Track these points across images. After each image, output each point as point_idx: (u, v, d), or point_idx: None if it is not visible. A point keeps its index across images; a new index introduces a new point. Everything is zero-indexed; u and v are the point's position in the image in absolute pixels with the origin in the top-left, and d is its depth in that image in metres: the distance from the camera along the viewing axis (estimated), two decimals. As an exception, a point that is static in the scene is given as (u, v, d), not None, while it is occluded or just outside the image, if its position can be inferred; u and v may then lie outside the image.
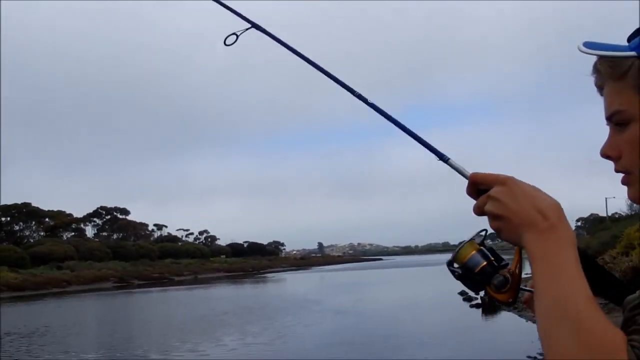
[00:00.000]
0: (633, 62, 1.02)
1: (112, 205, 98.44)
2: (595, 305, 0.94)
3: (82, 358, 16.73)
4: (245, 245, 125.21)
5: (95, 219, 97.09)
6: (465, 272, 1.10)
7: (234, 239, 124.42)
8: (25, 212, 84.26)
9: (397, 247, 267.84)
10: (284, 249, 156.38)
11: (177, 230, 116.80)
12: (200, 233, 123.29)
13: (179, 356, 15.98)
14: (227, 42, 1.84)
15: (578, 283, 0.95)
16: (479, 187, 1.09)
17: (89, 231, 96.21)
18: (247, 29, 1.78)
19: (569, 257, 0.97)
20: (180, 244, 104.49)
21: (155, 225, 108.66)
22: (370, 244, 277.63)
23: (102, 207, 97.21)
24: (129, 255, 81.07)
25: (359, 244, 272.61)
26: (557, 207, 1.01)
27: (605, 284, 1.13)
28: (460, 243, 1.12)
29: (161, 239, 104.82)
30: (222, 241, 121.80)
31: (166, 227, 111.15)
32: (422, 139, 1.34)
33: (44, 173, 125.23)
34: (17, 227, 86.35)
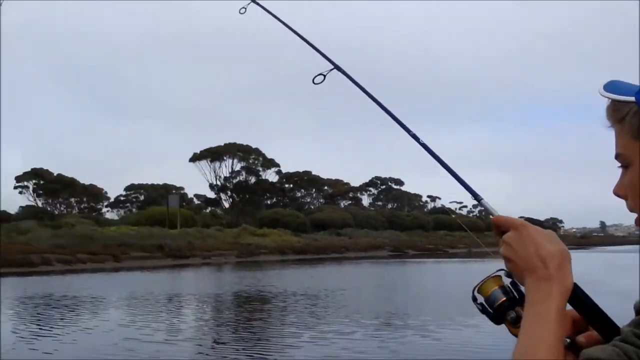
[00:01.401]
0: (631, 107, 1.09)
1: (387, 176, 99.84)
2: (555, 354, 1.06)
3: (361, 322, 15.64)
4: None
5: (370, 189, 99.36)
6: (484, 307, 1.20)
7: (508, 214, 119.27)
8: (306, 180, 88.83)
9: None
10: (563, 226, 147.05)
11: (450, 202, 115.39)
12: (474, 206, 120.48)
13: (457, 330, 14.07)
14: (315, 81, 1.99)
15: (547, 333, 1.08)
16: (500, 229, 1.21)
17: (365, 200, 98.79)
18: (330, 70, 1.96)
19: (551, 307, 1.09)
20: (453, 216, 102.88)
21: (428, 196, 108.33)
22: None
23: (377, 177, 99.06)
24: (403, 225, 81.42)
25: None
26: (560, 256, 1.12)
27: (597, 320, 1.18)
28: (486, 277, 1.22)
29: (435, 210, 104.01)
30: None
31: (439, 198, 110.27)
32: (461, 179, 1.50)
33: (323, 143, 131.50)
34: (299, 194, 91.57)
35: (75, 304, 19.72)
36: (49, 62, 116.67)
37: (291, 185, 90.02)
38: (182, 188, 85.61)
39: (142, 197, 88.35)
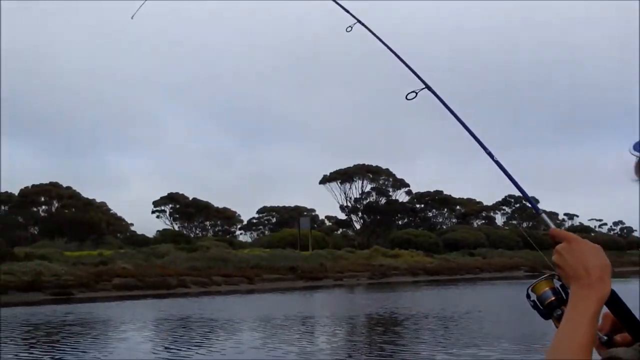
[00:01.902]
0: None
1: (519, 194, 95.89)
2: (584, 353, 1.23)
3: (499, 346, 14.53)
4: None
5: (504, 207, 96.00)
6: (536, 304, 1.41)
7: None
8: (437, 199, 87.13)
9: None
10: None
11: (589, 220, 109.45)
12: (615, 224, 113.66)
13: None
14: (408, 97, 2.08)
15: (579, 333, 1.25)
16: (555, 240, 1.40)
17: (499, 219, 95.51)
18: (422, 89, 2.07)
19: (587, 311, 1.28)
20: (592, 234, 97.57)
21: (565, 214, 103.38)
22: None
23: (510, 196, 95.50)
24: (539, 244, 77.69)
25: None
26: (602, 268, 1.31)
27: (628, 323, 1.38)
28: (541, 278, 1.44)
29: (573, 228, 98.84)
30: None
31: (577, 216, 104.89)
32: (527, 195, 1.76)
33: (451, 163, 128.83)
34: (430, 214, 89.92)
35: (211, 326, 19.79)
36: (182, 85, 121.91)
37: (422, 205, 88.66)
38: (313, 210, 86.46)
39: (274, 220, 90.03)
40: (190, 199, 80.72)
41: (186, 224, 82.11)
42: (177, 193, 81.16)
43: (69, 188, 75.55)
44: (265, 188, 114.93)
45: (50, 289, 32.08)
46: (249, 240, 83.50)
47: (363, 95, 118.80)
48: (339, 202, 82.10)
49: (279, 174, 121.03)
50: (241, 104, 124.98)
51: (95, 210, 74.65)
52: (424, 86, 2.05)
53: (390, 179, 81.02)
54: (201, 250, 49.16)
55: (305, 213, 79.12)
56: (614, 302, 1.36)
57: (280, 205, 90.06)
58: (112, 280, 35.33)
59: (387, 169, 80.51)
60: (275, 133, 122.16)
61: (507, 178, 1.72)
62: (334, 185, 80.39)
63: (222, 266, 42.78)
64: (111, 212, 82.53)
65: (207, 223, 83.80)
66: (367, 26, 2.44)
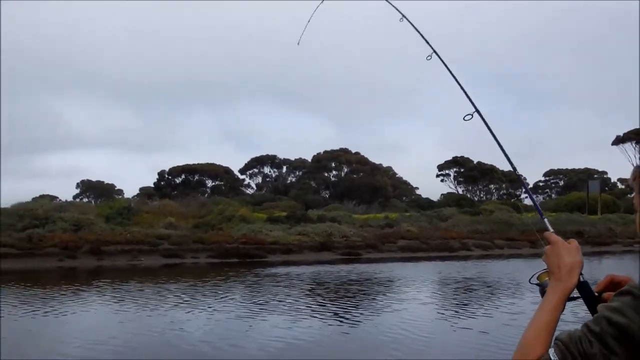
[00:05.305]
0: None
1: None
2: (543, 333, 1.58)
3: None
4: None
5: None
6: (542, 289, 1.76)
7: None
8: None
9: None
10: None
11: None
12: None
13: None
14: (465, 119, 2.46)
15: (541, 318, 1.62)
16: (547, 242, 1.79)
17: None
18: (471, 113, 2.45)
19: (554, 298, 1.66)
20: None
21: None
22: None
23: None
24: None
25: None
26: (572, 265, 1.70)
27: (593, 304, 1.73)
28: (544, 270, 1.78)
29: None
30: None
31: None
32: (538, 206, 2.13)
33: None
34: None
35: (494, 287, 19.41)
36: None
37: None
38: (604, 172, 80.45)
39: (561, 182, 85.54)
40: (475, 162, 79.91)
41: (470, 188, 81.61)
42: (461, 157, 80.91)
43: (357, 154, 79.39)
44: (554, 151, 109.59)
45: (340, 249, 34.09)
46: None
47: None
48: (633, 164, 74.87)
49: (569, 136, 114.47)
50: (516, 69, 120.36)
51: (382, 175, 77.57)
52: (474, 110, 2.48)
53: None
54: (484, 213, 48.48)
55: (595, 176, 73.80)
56: (583, 287, 1.74)
57: (570, 167, 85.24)
58: (397, 242, 36.44)
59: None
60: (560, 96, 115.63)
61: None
62: (628, 146, 73.58)
63: (505, 230, 41.74)
64: (397, 176, 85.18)
65: (492, 186, 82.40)
66: (442, 59, 2.78)
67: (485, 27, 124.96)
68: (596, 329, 1.46)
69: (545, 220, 2.00)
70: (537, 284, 1.80)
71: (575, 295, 1.74)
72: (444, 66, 2.72)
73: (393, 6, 3.14)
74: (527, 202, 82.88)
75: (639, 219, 1.73)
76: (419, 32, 2.94)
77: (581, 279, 1.74)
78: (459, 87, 2.59)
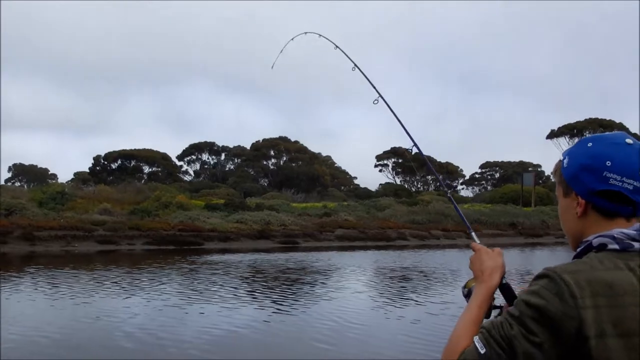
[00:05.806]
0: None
1: None
2: (470, 327, 1.71)
3: None
4: None
5: None
6: (468, 293, 1.91)
7: None
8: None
9: None
10: None
11: None
12: None
13: None
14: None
15: (468, 315, 1.77)
16: (473, 250, 1.98)
17: None
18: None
19: (477, 298, 1.81)
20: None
21: None
22: None
23: None
24: None
25: None
26: (493, 269, 1.87)
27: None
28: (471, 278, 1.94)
29: None
30: None
31: None
32: (461, 214, 2.57)
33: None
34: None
35: (429, 277, 19.86)
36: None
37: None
38: (538, 165, 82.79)
39: (497, 175, 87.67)
40: (413, 153, 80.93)
41: (408, 178, 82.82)
42: (399, 148, 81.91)
43: (296, 142, 79.51)
44: (490, 143, 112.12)
45: (278, 237, 34.22)
46: (471, 195, 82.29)
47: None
48: (565, 158, 77.35)
49: (504, 129, 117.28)
50: (465, 64, 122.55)
51: (321, 164, 77.92)
52: None
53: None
54: (421, 204, 49.33)
55: (530, 169, 75.93)
56: (505, 288, 1.89)
57: (505, 160, 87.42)
58: (334, 231, 36.79)
59: (621, 123, 74.22)
60: (496, 87, 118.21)
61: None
62: (562, 140, 75.95)
63: (441, 220, 42.62)
64: (336, 165, 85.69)
65: (429, 177, 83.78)
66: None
67: (428, 26, 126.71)
68: (515, 313, 1.56)
69: (473, 233, 2.21)
70: (464, 290, 1.93)
71: (497, 305, 1.86)
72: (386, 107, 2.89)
73: (347, 56, 3.32)
74: (463, 193, 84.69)
75: (561, 210, 1.82)
76: (368, 79, 3.10)
77: (503, 282, 1.88)
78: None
